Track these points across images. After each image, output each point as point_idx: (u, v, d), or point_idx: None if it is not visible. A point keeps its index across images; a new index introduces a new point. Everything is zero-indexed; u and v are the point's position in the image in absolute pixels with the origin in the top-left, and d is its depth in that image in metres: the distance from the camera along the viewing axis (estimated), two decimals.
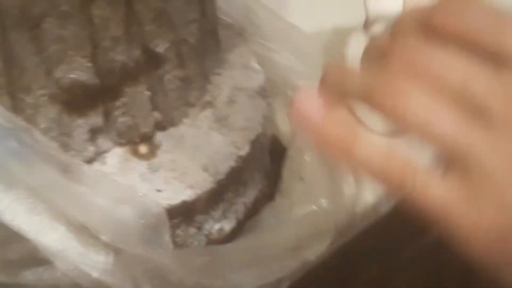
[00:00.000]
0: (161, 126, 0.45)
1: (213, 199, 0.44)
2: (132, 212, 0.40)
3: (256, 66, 0.50)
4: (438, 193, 0.28)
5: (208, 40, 0.46)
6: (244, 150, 0.45)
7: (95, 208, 0.40)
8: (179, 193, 0.43)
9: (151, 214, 0.40)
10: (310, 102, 0.30)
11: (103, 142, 0.44)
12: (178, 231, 0.44)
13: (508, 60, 0.27)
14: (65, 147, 0.43)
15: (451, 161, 0.28)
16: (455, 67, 0.28)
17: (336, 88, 0.31)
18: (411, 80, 0.28)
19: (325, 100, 0.30)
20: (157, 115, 0.45)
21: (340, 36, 0.62)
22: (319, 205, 0.50)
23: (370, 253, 0.63)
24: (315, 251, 0.48)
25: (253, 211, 0.49)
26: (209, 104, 0.47)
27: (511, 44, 0.27)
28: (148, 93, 0.43)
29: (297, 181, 0.52)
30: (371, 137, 0.29)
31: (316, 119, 0.30)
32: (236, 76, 0.49)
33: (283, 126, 0.54)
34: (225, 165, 0.45)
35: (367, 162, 0.29)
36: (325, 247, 0.49)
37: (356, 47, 0.58)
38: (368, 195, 0.54)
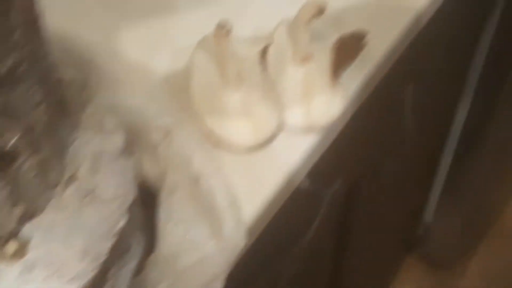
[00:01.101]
0: (26, 218, 0.42)
1: (99, 281, 0.42)
2: None
3: (111, 123, 0.47)
4: None
5: (57, 113, 0.43)
6: (122, 222, 0.43)
7: None
8: None
9: None
10: None
11: None
12: None
13: None
14: None
15: None
16: None
17: None
18: None
19: None
20: (19, 208, 0.41)
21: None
22: (203, 248, 0.49)
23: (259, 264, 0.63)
24: None
25: (138, 270, 0.47)
26: (72, 178, 0.44)
27: None
28: (5, 191, 0.39)
29: (173, 225, 0.50)
30: None
31: None
32: (92, 139, 0.46)
33: (149, 170, 0.52)
34: (105, 245, 0.42)
35: None
36: None
37: (202, 58, 0.58)
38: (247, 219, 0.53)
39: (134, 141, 0.51)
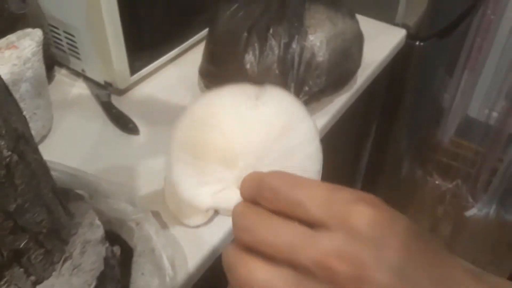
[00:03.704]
0: (37, 282, 0.43)
1: None
2: None
3: (97, 222, 0.48)
4: None
5: (59, 221, 0.44)
6: (93, 285, 0.44)
7: None
8: None
9: None
10: None
11: None
12: None
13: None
14: None
15: None
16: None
17: None
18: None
19: None
20: (32, 278, 0.42)
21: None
22: None
23: None
24: None
25: None
26: (68, 257, 0.45)
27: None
28: (21, 270, 0.41)
29: (140, 276, 0.51)
30: None
31: None
32: (85, 232, 0.47)
33: (130, 241, 0.53)
34: None
35: None
36: None
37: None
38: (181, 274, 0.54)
39: (120, 227, 0.52)
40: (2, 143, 0.35)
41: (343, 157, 1.03)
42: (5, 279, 0.40)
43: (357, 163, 1.13)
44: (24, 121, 0.38)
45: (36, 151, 0.40)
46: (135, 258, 0.51)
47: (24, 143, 0.37)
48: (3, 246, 0.38)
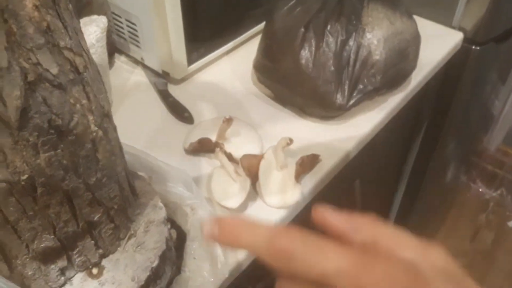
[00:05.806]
0: (104, 256, 0.46)
1: None
2: None
3: (160, 203, 0.51)
4: None
5: (127, 200, 0.47)
6: (155, 263, 0.46)
7: None
8: None
9: None
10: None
11: (69, 273, 0.44)
12: None
13: None
14: (45, 282, 0.43)
15: None
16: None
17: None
18: None
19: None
20: (100, 251, 0.45)
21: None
22: (204, 276, 0.51)
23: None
24: None
25: (167, 285, 0.50)
26: (132, 235, 0.48)
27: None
28: (92, 242, 0.44)
29: (192, 260, 0.53)
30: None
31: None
32: (148, 213, 0.50)
33: (183, 226, 0.56)
34: (144, 275, 0.45)
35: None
36: None
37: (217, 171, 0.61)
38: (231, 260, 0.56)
39: (175, 211, 0.55)
40: (91, 118, 0.38)
41: (389, 158, 1.03)
42: (77, 249, 0.44)
43: (402, 164, 1.14)
44: (108, 101, 0.41)
45: (115, 130, 0.43)
46: (188, 243, 0.54)
47: (108, 121, 0.40)
48: (80, 217, 0.42)
